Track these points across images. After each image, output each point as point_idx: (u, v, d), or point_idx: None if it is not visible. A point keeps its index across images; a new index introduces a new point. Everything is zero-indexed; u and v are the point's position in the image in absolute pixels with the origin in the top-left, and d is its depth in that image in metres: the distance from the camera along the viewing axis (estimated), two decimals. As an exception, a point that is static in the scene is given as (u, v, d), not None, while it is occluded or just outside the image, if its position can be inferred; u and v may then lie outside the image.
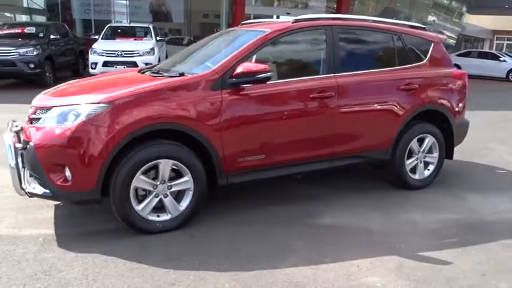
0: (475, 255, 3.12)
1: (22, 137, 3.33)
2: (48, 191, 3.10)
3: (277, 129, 3.60)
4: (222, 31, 4.48)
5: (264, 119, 3.53)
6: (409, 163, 4.35)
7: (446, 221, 3.72)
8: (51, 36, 11.93)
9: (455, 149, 4.64)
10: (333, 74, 3.82)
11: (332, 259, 2.99)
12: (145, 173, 3.19)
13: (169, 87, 3.27)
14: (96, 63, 11.17)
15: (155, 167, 3.21)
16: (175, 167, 3.27)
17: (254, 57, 3.60)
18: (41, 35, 11.83)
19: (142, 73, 4.03)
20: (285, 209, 3.82)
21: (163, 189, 3.26)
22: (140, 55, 10.88)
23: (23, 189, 3.17)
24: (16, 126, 3.50)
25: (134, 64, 10.62)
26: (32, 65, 10.80)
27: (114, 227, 3.32)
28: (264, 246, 3.15)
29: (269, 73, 3.37)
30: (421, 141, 4.39)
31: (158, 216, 3.29)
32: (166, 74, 3.70)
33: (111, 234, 3.26)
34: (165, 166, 3.21)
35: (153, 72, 3.94)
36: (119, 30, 12.90)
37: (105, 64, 10.97)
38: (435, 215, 3.84)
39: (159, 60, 11.32)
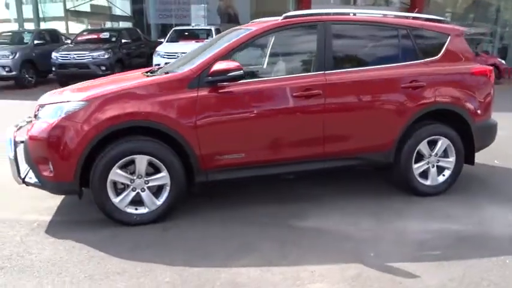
0: (452, 271, 2.82)
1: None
2: (37, 181, 3.39)
3: (257, 128, 3.56)
4: (229, 30, 4.51)
5: (242, 117, 3.51)
6: (418, 167, 4.03)
7: (444, 232, 3.39)
8: (123, 41, 12.86)
9: (490, 152, 4.15)
10: (322, 72, 3.68)
11: (290, 262, 2.90)
12: (124, 167, 3.36)
13: (145, 86, 3.41)
14: (158, 65, 11.78)
15: (134, 162, 3.36)
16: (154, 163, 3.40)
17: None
18: (114, 39, 12.81)
19: (152, 73, 4.19)
20: (272, 209, 3.76)
21: (140, 184, 3.40)
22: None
23: (20, 178, 3.50)
24: (25, 121, 3.86)
25: (193, 65, 11.02)
26: (103, 67, 11.75)
27: (104, 217, 3.52)
28: (229, 245, 3.14)
29: (241, 71, 3.35)
30: (433, 144, 4.05)
31: (136, 209, 3.43)
32: (157, 74, 3.84)
33: (97, 224, 3.45)
34: (141, 161, 3.34)
35: (151, 72, 4.11)
36: (186, 33, 13.49)
37: (167, 65, 11.52)
38: (435, 224, 3.53)
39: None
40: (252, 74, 3.82)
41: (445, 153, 4.12)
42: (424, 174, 4.09)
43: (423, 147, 4.01)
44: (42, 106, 3.59)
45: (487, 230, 3.43)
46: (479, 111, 4.14)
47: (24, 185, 3.52)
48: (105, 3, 22.15)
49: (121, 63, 12.41)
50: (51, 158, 3.25)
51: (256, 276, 2.73)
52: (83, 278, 2.68)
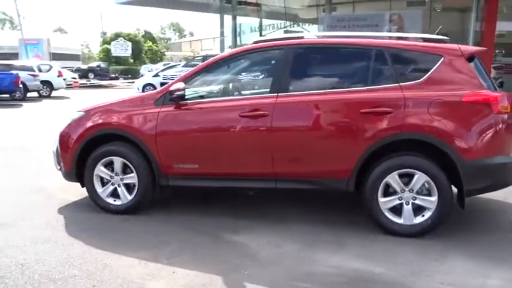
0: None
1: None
2: (61, 169, 4.56)
3: (209, 142, 3.92)
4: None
5: (196, 132, 3.95)
6: (386, 202, 3.65)
7: (358, 273, 3.08)
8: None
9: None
10: (275, 94, 3.78)
11: (171, 262, 3.22)
12: (108, 165, 4.21)
13: (124, 101, 4.21)
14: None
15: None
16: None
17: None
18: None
19: None
20: (219, 221, 4.02)
21: (117, 180, 4.20)
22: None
23: (59, 167, 4.73)
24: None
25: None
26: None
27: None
28: (151, 241, 3.61)
29: (182, 92, 3.81)
30: (408, 178, 3.60)
31: (115, 200, 4.23)
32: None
33: (94, 208, 4.32)
34: (117, 162, 4.15)
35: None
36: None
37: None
38: (359, 263, 3.21)
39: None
40: (215, 94, 4.19)
41: (429, 191, 3.59)
42: (397, 211, 3.66)
43: (392, 180, 3.61)
44: (78, 113, 4.78)
45: (409, 282, 2.96)
46: (472, 147, 3.47)
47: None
48: (297, 29, 23.94)
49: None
50: (62, 152, 4.36)
51: (128, 264, 3.18)
52: (30, 239, 3.59)
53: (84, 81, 30.42)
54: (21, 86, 17.51)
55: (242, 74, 4.29)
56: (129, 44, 39.80)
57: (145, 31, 58.12)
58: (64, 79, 22.42)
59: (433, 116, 3.50)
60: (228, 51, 4.16)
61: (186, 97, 3.95)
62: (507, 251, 3.42)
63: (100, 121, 4.17)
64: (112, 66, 39.21)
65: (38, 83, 19.32)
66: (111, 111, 4.19)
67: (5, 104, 15.80)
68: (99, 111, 4.24)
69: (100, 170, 4.20)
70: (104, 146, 4.17)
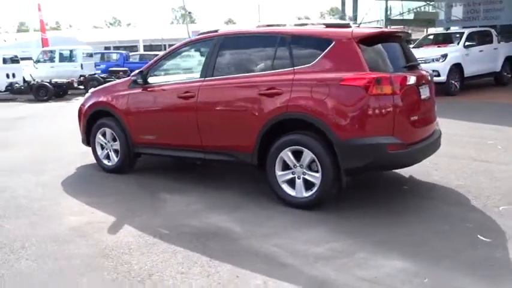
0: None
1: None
2: (84, 137, 5.98)
3: (157, 118, 4.84)
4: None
5: (150, 109, 4.89)
6: (282, 175, 4.04)
7: (216, 229, 3.67)
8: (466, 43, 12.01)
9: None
10: (203, 78, 4.46)
11: (97, 207, 4.22)
12: (104, 134, 5.43)
13: (112, 84, 5.36)
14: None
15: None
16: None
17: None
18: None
19: None
20: (171, 184, 4.85)
21: (109, 147, 5.40)
22: (425, 62, 10.83)
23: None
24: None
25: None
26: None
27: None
28: (98, 191, 4.70)
29: (134, 77, 4.75)
30: (300, 154, 3.93)
31: (108, 162, 5.45)
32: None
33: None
34: (108, 132, 5.34)
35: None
36: (439, 38, 12.76)
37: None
38: (229, 224, 3.77)
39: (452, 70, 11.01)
40: (167, 79, 5.01)
41: (317, 168, 3.88)
42: (293, 184, 4.02)
43: (286, 156, 3.99)
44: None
45: (248, 239, 3.44)
46: (347, 126, 3.64)
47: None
48: (432, 10, 22.36)
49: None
50: (78, 123, 5.75)
51: (70, 205, 4.33)
52: (36, 183, 5.02)
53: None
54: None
55: (188, 61, 5.04)
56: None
57: (298, 18, 60.07)
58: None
59: (313, 97, 3.77)
60: (178, 43, 4.93)
61: (148, 81, 4.92)
62: (367, 229, 3.55)
63: (97, 100, 5.42)
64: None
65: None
66: (105, 92, 5.40)
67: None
68: (99, 92, 5.49)
69: (99, 138, 5.45)
70: (101, 119, 5.41)
